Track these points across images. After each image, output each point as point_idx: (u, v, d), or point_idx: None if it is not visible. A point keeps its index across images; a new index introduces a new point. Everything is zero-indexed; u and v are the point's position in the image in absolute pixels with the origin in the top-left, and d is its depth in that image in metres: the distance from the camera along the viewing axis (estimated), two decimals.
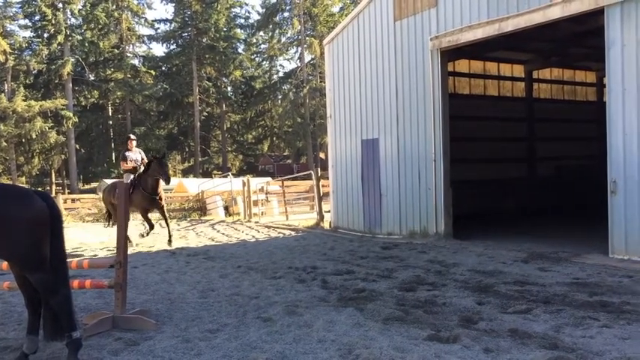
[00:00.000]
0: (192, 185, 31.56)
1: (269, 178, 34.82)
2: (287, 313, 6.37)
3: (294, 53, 59.75)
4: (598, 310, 6.06)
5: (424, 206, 13.11)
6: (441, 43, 12.53)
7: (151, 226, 13.47)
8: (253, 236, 15.33)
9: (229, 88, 60.88)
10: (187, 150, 62.88)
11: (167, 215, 13.96)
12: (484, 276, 8.25)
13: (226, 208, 24.18)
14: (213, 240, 14.91)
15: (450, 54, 13.24)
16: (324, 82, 18.87)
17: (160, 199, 13.26)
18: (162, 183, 12.91)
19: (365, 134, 14.95)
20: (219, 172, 54.45)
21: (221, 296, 7.48)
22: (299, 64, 56.55)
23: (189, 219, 22.95)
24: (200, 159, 57.15)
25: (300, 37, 55.57)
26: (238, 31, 59.86)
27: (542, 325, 5.59)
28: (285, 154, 69.69)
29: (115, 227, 12.25)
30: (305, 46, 54.60)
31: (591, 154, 19.21)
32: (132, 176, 12.99)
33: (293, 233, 15.89)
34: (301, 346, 5.20)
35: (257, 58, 62.90)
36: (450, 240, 12.18)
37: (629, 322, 5.59)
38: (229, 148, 61.37)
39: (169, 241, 13.29)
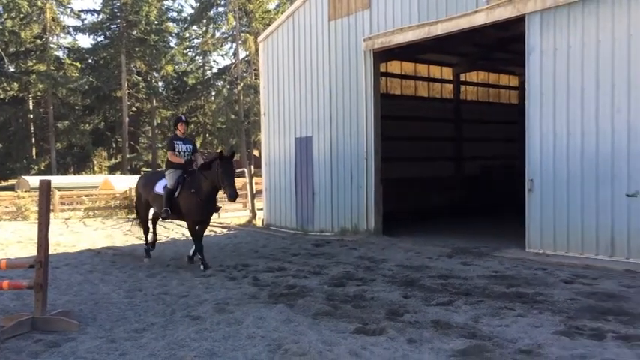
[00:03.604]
0: (120, 183, 30.53)
1: None
2: (217, 311, 6.33)
3: (229, 49, 58.97)
4: (514, 301, 6.43)
5: (355, 204, 13.35)
6: (374, 44, 12.79)
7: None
8: (183, 234, 15.04)
9: (160, 83, 59.26)
10: (114, 146, 60.73)
11: (203, 235, 9.92)
12: (411, 271, 8.53)
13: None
14: (140, 239, 14.39)
15: (383, 55, 13.54)
16: (259, 80, 18.79)
17: (214, 209, 9.90)
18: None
19: (299, 132, 15.03)
20: (149, 169, 52.91)
21: (148, 295, 7.33)
22: (233, 61, 55.89)
23: (115, 217, 22.23)
24: (128, 155, 55.35)
25: (234, 33, 54.93)
26: (170, 24, 58.38)
27: (463, 316, 5.87)
28: (218, 151, 68.66)
29: (138, 228, 10.58)
30: (240, 42, 54.03)
31: (514, 154, 20.20)
32: (178, 173, 9.58)
33: (225, 231, 15.74)
34: (230, 343, 5.19)
35: (190, 53, 61.57)
36: (380, 236, 12.48)
37: (541, 311, 5.97)
38: (159, 145, 59.77)
39: (203, 265, 9.24)
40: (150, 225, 10.81)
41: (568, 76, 9.43)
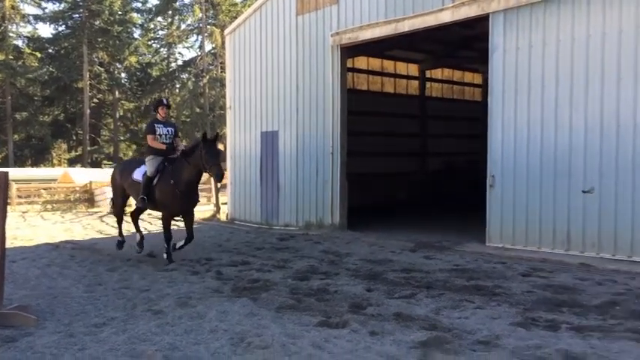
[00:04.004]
0: (80, 175, 29.81)
1: None
2: (179, 305, 6.27)
3: (195, 41, 58.11)
4: (473, 294, 6.57)
5: (320, 198, 13.38)
6: (341, 39, 12.82)
7: (168, 239, 9.21)
8: (145, 228, 14.78)
9: (123, 75, 58.01)
10: (75, 138, 59.21)
11: (193, 228, 9.46)
12: (374, 264, 8.61)
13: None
14: (101, 233, 14.24)
15: (350, 50, 13.59)
16: (225, 73, 18.61)
17: (196, 201, 9.40)
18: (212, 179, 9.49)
19: (265, 126, 14.96)
20: (110, 163, 51.84)
21: (108, 290, 7.20)
22: (199, 53, 55.16)
23: (75, 211, 21.73)
24: (89, 148, 54.08)
25: (201, 25, 54.19)
26: (135, 15, 57.16)
27: (424, 309, 5.97)
28: (182, 144, 67.80)
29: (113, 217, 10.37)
30: (206, 34, 53.35)
31: (477, 150, 20.58)
32: (158, 160, 9.12)
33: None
34: (192, 337, 5.15)
35: (154, 45, 60.45)
36: (345, 231, 12.56)
37: (499, 304, 6.12)
38: (122, 137, 58.58)
39: (167, 256, 9.09)
40: (128, 219, 10.52)
41: (529, 74, 9.65)
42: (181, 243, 9.23)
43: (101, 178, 26.36)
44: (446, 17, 10.84)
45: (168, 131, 9.33)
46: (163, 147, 9.17)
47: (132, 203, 10.87)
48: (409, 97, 19.87)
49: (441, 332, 5.10)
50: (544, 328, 5.22)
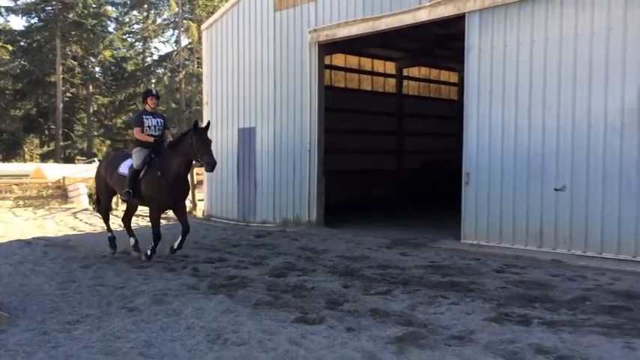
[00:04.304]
0: (52, 171, 29.27)
1: None
2: (154, 302, 6.23)
3: (171, 36, 57.46)
4: (448, 290, 6.66)
5: (298, 195, 13.39)
6: (319, 36, 12.83)
7: (157, 239, 8.79)
8: (120, 225, 14.62)
9: (97, 69, 57.07)
10: (47, 133, 58.09)
11: (187, 218, 9.02)
12: (351, 261, 8.67)
13: (90, 196, 22.81)
14: (75, 229, 14.03)
15: (328, 48, 13.60)
16: (202, 68, 18.47)
17: (186, 193, 9.14)
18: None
19: (242, 123, 14.90)
20: (84, 158, 50.99)
21: (82, 287, 7.11)
22: (175, 48, 54.58)
23: (47, 207, 21.35)
24: (62, 143, 53.11)
25: (177, 19, 53.62)
26: (109, 8, 56.23)
27: (400, 305, 6.03)
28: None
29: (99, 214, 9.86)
30: (182, 29, 52.79)
31: (453, 148, 20.81)
32: (145, 152, 8.78)
33: (164, 222, 15.40)
34: (169, 334, 5.13)
35: (130, 39, 59.60)
36: (322, 228, 12.59)
37: (473, 299, 6.22)
38: (95, 133, 57.64)
39: (172, 249, 8.85)
40: (115, 220, 10.25)
41: (504, 73, 9.79)
42: (177, 243, 8.75)
43: (74, 173, 25.97)
44: (423, 16, 10.93)
45: (157, 122, 8.98)
46: (151, 139, 8.81)
47: (123, 207, 10.66)
48: (386, 95, 19.98)
49: (416, 328, 5.17)
50: (517, 323, 5.33)
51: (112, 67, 57.18)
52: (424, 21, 11.02)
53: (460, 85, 22.10)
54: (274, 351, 4.64)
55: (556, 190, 9.11)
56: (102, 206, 9.99)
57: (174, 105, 53.11)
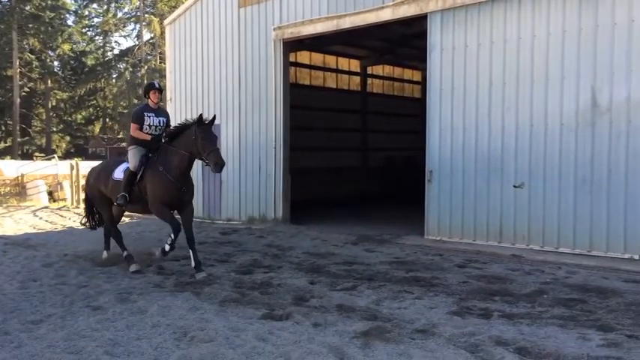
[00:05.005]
0: (9, 168, 28.41)
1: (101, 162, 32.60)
2: (119, 301, 6.18)
3: (132, 30, 56.52)
4: (412, 285, 6.82)
5: (263, 193, 13.39)
6: (284, 33, 12.84)
7: (177, 230, 7.57)
8: (78, 222, 14.37)
9: (56, 63, 55.61)
10: (4, 129, 56.25)
11: (192, 230, 7.92)
12: (317, 258, 8.75)
13: (50, 194, 22.25)
14: (34, 227, 13.69)
15: (292, 45, 13.62)
16: (165, 63, 18.22)
17: (192, 193, 8.05)
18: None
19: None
20: (43, 155, 49.63)
21: (44, 286, 6.99)
22: (137, 42, 53.59)
23: (5, 205, 20.71)
24: (19, 139, 51.56)
25: (138, 13, 52.65)
26: (68, 1, 54.82)
27: (366, 300, 6.15)
28: (119, 136, 65.80)
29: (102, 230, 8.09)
30: (144, 23, 51.89)
31: (417, 146, 21.12)
32: (142, 151, 7.84)
33: (127, 220, 15.19)
34: (134, 332, 5.10)
35: (89, 33, 58.26)
36: (288, 225, 12.63)
37: (436, 294, 6.39)
38: (54, 129, 56.18)
39: (197, 267, 7.51)
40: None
41: (465, 73, 10.02)
42: (167, 246, 7.52)
43: (34, 170, 25.26)
44: (386, 15, 11.07)
45: (159, 122, 8.02)
46: (148, 137, 7.89)
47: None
48: (351, 93, 20.13)
49: (381, 322, 5.29)
50: (478, 317, 5.51)
51: (72, 62, 55.81)
52: (388, 20, 11.16)
53: (423, 83, 22.45)
54: (241, 347, 4.68)
55: (515, 186, 9.38)
56: (105, 221, 8.70)
57: (136, 100, 52.17)
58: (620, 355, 4.40)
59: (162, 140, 7.92)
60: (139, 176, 7.72)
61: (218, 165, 7.22)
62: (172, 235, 7.44)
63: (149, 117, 7.97)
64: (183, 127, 7.64)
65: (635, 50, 8.19)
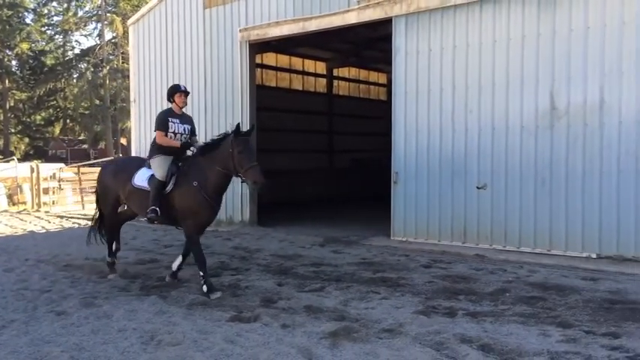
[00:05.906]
0: None
1: (62, 164, 31.86)
2: (84, 305, 6.08)
3: (93, 29, 55.23)
4: (379, 285, 6.92)
5: (230, 195, 13.27)
6: (250, 35, 12.83)
7: (203, 263, 6.79)
8: (43, 227, 14.01)
9: (14, 62, 53.96)
10: None
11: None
12: (285, 260, 8.78)
13: (9, 197, 21.60)
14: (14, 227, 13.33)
15: (259, 47, 13.62)
16: (127, 64, 17.93)
17: (218, 211, 7.12)
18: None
19: None
20: (1, 157, 48.12)
21: (6, 291, 6.81)
22: (99, 42, 52.47)
23: None
24: None
25: (100, 12, 51.57)
26: None
27: (333, 301, 6.21)
28: (80, 138, 64.33)
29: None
30: (106, 22, 50.85)
31: (383, 148, 21.33)
32: (169, 160, 7.01)
33: (90, 223, 14.86)
34: (100, 337, 5.04)
35: (49, 31, 56.72)
36: (255, 227, 12.62)
37: (403, 294, 6.50)
38: (13, 130, 54.53)
39: (207, 286, 6.57)
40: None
41: (429, 77, 10.21)
42: (204, 287, 6.57)
43: None
44: (352, 18, 11.19)
45: (184, 129, 7.21)
46: (178, 144, 7.08)
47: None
48: (317, 95, 20.23)
49: (349, 322, 5.36)
50: (443, 315, 5.64)
51: (30, 61, 54.25)
52: (353, 23, 11.28)
53: (389, 86, 22.73)
54: (209, 350, 4.68)
55: (478, 187, 9.61)
56: (107, 223, 7.95)
57: (98, 101, 51.16)
58: (579, 350, 4.58)
59: (190, 151, 7.20)
60: (169, 188, 6.90)
61: (257, 184, 6.44)
62: (201, 272, 6.63)
63: (174, 123, 7.13)
64: (220, 139, 6.79)
65: (591, 55, 8.51)
